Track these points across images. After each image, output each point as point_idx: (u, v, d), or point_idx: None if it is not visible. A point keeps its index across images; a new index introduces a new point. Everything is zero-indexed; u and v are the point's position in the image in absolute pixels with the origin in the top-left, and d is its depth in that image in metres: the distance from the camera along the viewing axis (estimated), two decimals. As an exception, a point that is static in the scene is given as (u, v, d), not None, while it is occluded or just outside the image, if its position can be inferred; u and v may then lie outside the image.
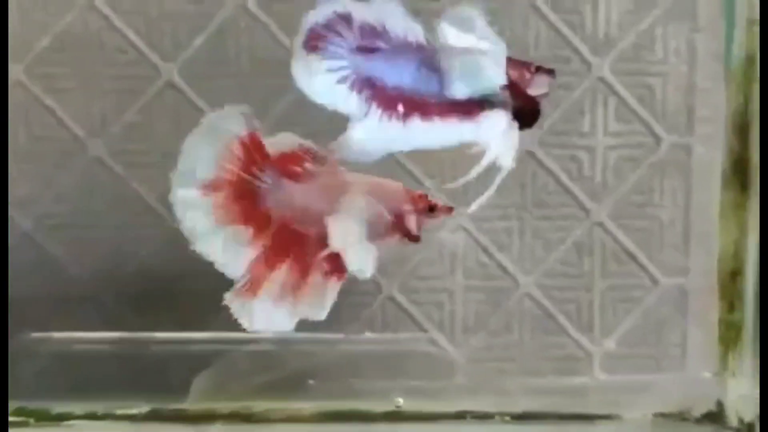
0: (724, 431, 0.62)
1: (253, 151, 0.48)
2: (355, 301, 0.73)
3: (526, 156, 0.72)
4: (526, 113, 0.48)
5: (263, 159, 0.48)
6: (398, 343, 0.73)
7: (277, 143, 0.49)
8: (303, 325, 0.71)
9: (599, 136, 0.73)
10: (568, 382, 0.74)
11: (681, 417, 0.65)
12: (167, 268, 0.70)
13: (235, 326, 0.71)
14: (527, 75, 0.47)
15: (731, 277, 0.52)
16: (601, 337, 0.75)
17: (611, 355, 0.75)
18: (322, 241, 0.47)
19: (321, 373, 0.69)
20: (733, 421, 0.62)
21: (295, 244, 0.48)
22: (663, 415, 0.64)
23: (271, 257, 0.48)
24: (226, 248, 0.48)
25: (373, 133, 0.47)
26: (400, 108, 0.47)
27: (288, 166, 0.49)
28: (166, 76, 0.70)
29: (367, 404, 0.66)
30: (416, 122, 0.46)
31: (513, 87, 0.46)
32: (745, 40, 0.50)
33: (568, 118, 0.72)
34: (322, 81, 0.45)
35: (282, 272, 0.48)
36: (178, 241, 0.70)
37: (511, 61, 0.47)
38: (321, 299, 0.49)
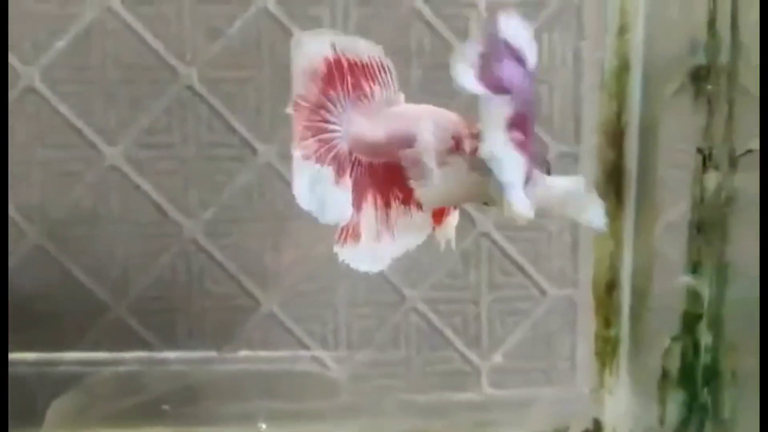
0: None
1: (335, 74, 0.45)
2: (233, 318, 0.70)
3: (410, 165, 0.70)
4: None
5: (341, 83, 0.45)
6: (277, 362, 0.70)
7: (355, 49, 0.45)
8: (172, 342, 0.69)
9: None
10: (456, 398, 0.72)
11: (559, 435, 0.63)
12: (29, 285, 0.67)
13: (100, 347, 0.68)
14: None
15: (607, 290, 0.51)
16: (489, 351, 0.73)
17: (499, 369, 0.73)
18: (394, 172, 0.45)
19: (185, 396, 0.65)
20: (610, 440, 0.61)
21: (371, 179, 0.46)
22: (539, 434, 0.62)
23: (355, 198, 0.46)
24: (313, 189, 0.45)
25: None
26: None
27: (358, 84, 0.45)
28: (26, 81, 0.66)
29: (228, 429, 0.63)
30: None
31: None
32: (618, 47, 0.48)
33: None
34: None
35: (369, 209, 0.46)
36: (40, 257, 0.68)
37: None
38: (414, 225, 0.46)
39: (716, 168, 0.41)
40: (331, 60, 0.45)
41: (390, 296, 0.72)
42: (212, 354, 0.69)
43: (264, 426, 0.64)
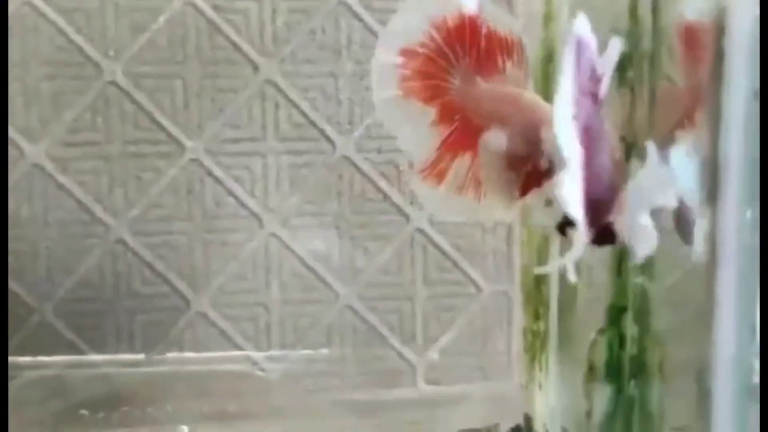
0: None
1: (466, 32, 0.45)
2: (162, 318, 0.68)
3: (342, 161, 0.69)
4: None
5: (471, 43, 0.45)
6: (209, 363, 0.68)
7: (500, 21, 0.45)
8: (100, 345, 0.67)
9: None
10: (392, 395, 0.71)
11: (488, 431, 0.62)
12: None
13: (25, 350, 0.66)
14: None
15: (536, 284, 0.50)
16: (425, 348, 0.72)
17: (435, 366, 0.72)
18: None
19: (111, 400, 0.64)
20: (541, 436, 0.60)
21: (476, 139, 0.45)
22: (468, 431, 0.62)
23: (453, 145, 0.46)
24: (406, 122, 0.46)
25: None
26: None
27: (492, 54, 0.45)
28: (-58, 79, 0.64)
29: (153, 432, 0.61)
30: None
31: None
32: (544, 36, 0.48)
33: (385, 120, 0.70)
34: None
35: (465, 162, 0.46)
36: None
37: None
38: (505, 196, 0.45)
39: (639, 157, 0.41)
40: (467, 18, 0.44)
41: (324, 294, 0.71)
42: (140, 356, 0.67)
43: (186, 429, 0.63)
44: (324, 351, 0.71)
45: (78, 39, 0.66)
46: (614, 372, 0.45)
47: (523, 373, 0.55)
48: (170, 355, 0.68)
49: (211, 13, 0.67)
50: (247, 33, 0.67)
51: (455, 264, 0.72)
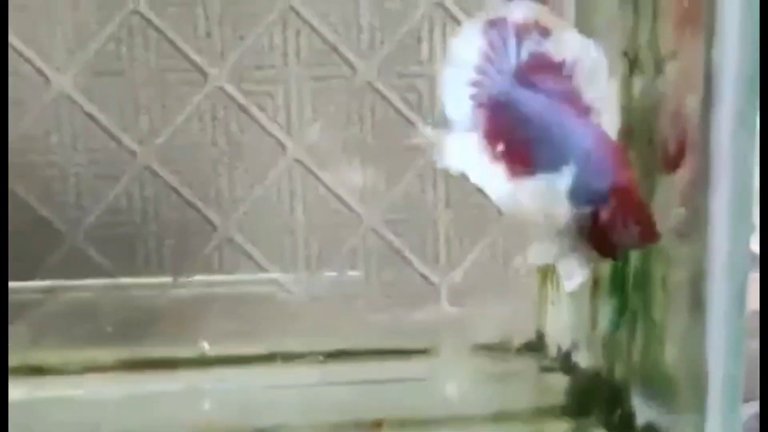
0: (543, 360, 0.61)
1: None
2: (190, 244, 0.70)
3: (365, 87, 0.70)
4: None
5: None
6: (235, 285, 0.70)
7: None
8: (130, 269, 0.69)
9: (438, 64, 0.70)
10: (415, 316, 0.72)
11: (501, 348, 0.63)
12: (-19, 215, 0.67)
13: (56, 275, 0.68)
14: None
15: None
16: (448, 270, 0.73)
17: (458, 287, 0.73)
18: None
19: (139, 320, 0.66)
20: (552, 350, 0.61)
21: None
22: (483, 347, 0.63)
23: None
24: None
25: (462, 149, 0.45)
26: (500, 147, 0.44)
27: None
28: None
29: (170, 351, 0.63)
30: (499, 170, 0.44)
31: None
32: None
33: (406, 46, 0.70)
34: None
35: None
36: (-10, 185, 0.67)
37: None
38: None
39: (642, 72, 0.41)
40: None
41: (348, 218, 0.72)
42: (168, 279, 0.69)
43: (207, 345, 0.64)
44: (349, 273, 0.72)
45: (84, -13, 0.67)
46: (618, 285, 0.46)
47: (536, 291, 0.56)
48: (198, 278, 0.70)
49: (231, -60, 0.67)
50: (266, -41, 0.68)
51: (476, 187, 0.72)
